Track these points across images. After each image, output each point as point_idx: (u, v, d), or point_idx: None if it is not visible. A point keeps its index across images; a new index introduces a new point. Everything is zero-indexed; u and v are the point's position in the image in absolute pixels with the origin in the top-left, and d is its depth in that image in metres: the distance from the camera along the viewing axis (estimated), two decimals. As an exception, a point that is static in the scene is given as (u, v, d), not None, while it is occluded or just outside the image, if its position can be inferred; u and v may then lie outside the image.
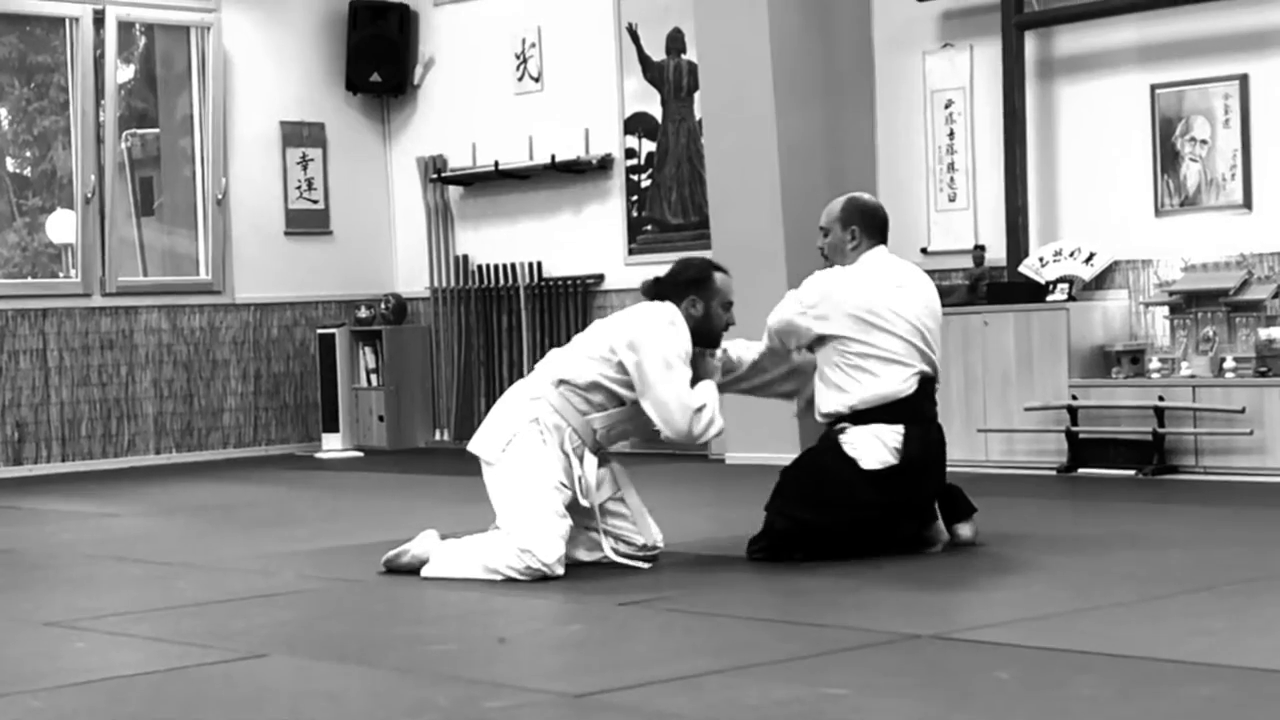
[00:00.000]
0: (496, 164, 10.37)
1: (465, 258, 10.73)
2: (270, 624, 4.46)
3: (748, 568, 5.04)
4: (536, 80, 10.33)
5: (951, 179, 8.56)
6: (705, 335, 5.18)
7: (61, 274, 10.23)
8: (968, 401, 8.03)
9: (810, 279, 5.42)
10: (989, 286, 8.13)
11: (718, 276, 5.22)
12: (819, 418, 5.34)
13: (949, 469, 5.44)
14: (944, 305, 8.17)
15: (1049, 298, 7.87)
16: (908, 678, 3.58)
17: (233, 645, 4.13)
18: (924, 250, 8.62)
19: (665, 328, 5.06)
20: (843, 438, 5.21)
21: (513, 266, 10.39)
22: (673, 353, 5.03)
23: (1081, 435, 7.65)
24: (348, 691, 3.65)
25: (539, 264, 10.29)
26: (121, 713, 3.50)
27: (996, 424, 7.93)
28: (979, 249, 8.29)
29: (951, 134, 8.55)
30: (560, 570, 4.92)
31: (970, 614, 4.28)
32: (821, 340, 5.29)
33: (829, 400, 5.28)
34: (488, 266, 10.56)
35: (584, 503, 5.03)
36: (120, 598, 5.02)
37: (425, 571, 5.10)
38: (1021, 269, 8.07)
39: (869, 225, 5.43)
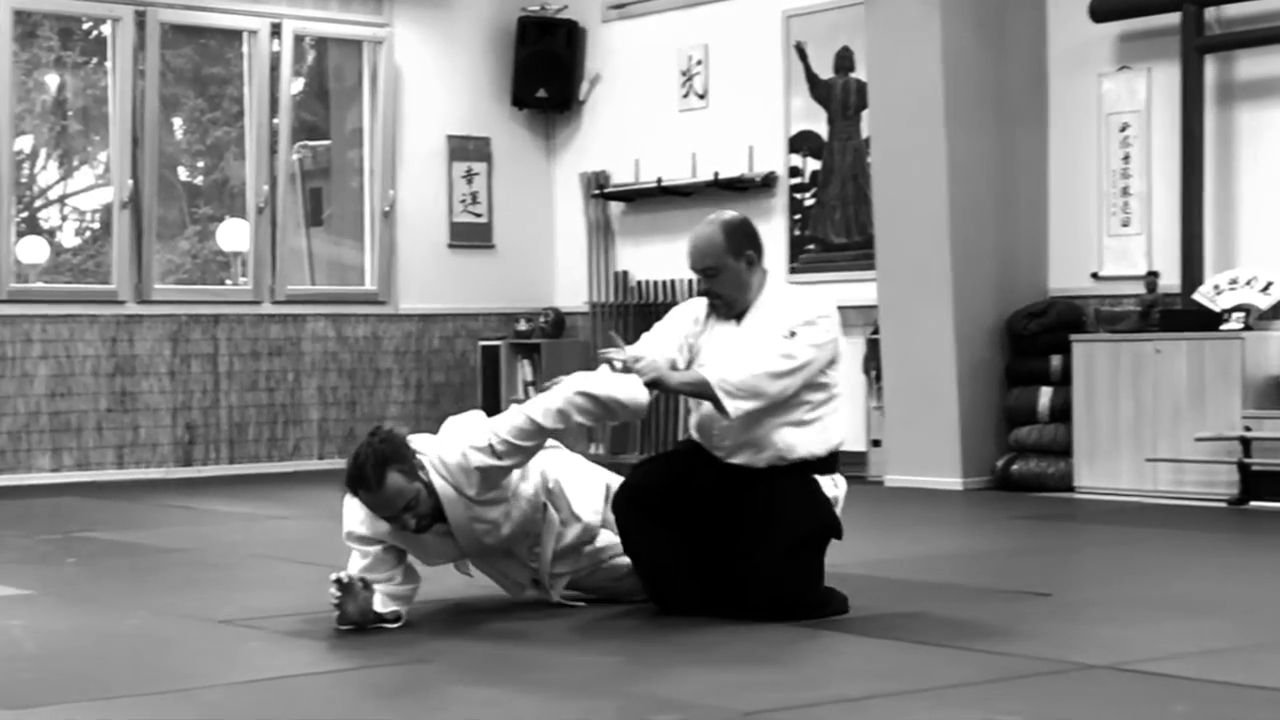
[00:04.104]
0: (659, 180, 10.40)
1: (625, 274, 10.76)
2: (436, 631, 4.50)
3: (916, 592, 4.98)
4: (702, 97, 10.34)
5: (1125, 203, 8.40)
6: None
7: (229, 281, 10.44)
8: (1137, 430, 7.87)
9: (814, 305, 4.65)
10: (1161, 313, 7.96)
11: (361, 499, 4.49)
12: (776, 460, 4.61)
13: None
14: (1115, 331, 8.18)
15: (1223, 326, 7.69)
16: (1081, 706, 3.51)
17: (400, 651, 4.17)
18: (1095, 275, 8.48)
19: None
20: (833, 493, 4.68)
21: (672, 284, 10.39)
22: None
23: (1254, 467, 7.46)
24: (513, 701, 3.66)
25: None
26: (294, 713, 3.55)
27: (1166, 454, 7.76)
28: (1152, 275, 8.13)
29: (1126, 158, 8.39)
30: None
31: (1143, 645, 4.18)
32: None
33: (806, 441, 4.61)
34: (647, 283, 10.58)
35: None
36: (290, 599, 5.09)
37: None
38: (1195, 296, 7.89)
39: (759, 245, 4.72)
